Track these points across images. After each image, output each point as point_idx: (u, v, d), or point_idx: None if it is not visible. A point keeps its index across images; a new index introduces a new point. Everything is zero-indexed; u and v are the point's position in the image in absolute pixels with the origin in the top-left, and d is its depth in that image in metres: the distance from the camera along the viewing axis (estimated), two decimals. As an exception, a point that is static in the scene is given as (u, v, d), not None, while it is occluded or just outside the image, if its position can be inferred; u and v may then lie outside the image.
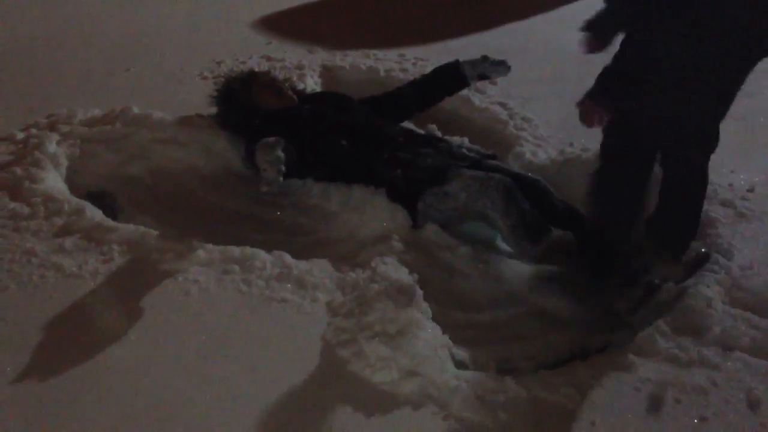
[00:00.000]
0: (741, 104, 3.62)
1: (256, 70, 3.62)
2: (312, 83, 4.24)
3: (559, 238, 2.96)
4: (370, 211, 3.07)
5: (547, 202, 3.06)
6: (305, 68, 4.39)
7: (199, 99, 3.97)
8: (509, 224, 2.93)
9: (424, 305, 2.53)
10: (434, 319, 2.52)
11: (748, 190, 3.30)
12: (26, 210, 2.96)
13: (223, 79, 3.61)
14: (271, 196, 3.25)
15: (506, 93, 4.22)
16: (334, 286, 2.65)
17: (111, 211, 3.21)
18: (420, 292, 2.57)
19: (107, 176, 3.45)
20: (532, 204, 2.97)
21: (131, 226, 2.91)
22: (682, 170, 2.85)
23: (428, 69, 4.36)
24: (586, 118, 2.67)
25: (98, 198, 3.30)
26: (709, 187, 3.25)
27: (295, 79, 4.14)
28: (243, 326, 2.46)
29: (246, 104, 3.46)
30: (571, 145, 3.63)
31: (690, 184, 2.88)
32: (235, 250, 2.77)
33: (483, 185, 2.95)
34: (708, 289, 2.66)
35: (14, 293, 2.54)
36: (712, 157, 2.78)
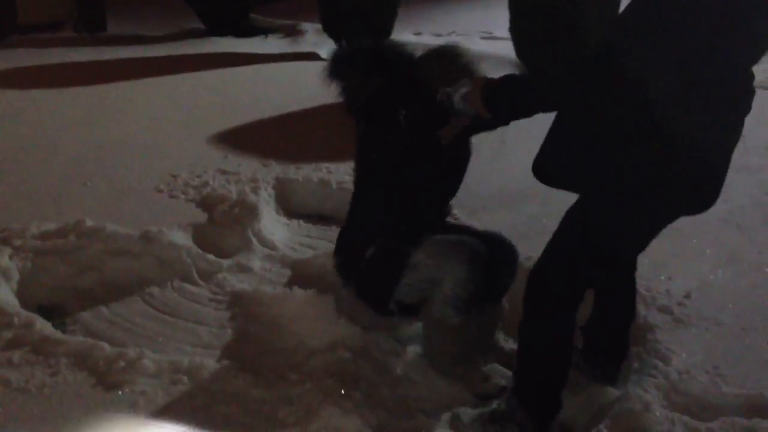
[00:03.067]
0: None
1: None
2: (266, 195, 4.34)
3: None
4: (321, 320, 3.13)
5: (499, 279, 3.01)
6: (259, 181, 4.50)
7: (154, 212, 4.06)
8: (455, 293, 2.82)
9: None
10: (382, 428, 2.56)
11: (684, 296, 3.42)
12: (-26, 324, 2.98)
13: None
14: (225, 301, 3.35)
15: (460, 203, 4.32)
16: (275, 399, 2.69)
17: (61, 324, 3.25)
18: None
19: (59, 289, 3.48)
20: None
21: (80, 339, 2.94)
22: (624, 276, 2.86)
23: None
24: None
25: (49, 310, 3.34)
26: (647, 294, 3.39)
27: (248, 191, 4.27)
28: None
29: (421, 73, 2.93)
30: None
31: (630, 289, 2.91)
32: (183, 361, 2.80)
33: (451, 250, 2.84)
34: (646, 393, 2.73)
35: (-41, 408, 2.53)
36: (650, 264, 2.86)
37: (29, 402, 2.59)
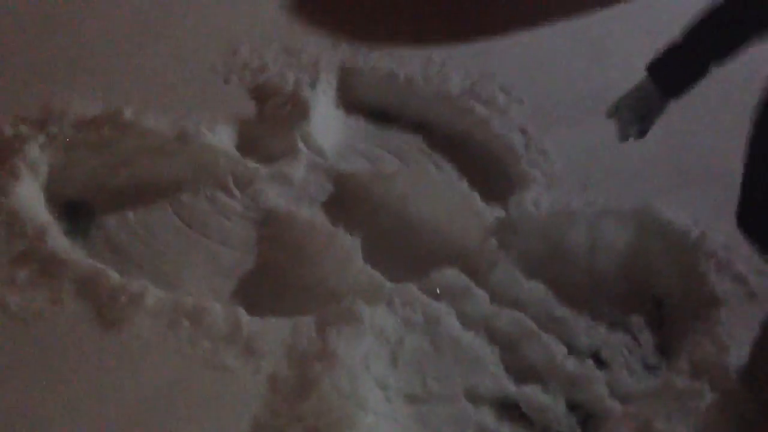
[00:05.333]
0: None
1: None
2: (325, 85, 3.97)
3: None
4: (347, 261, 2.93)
5: None
6: (322, 65, 4.11)
7: (203, 99, 3.78)
8: None
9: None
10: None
11: (768, 262, 2.96)
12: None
13: None
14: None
15: (538, 111, 3.85)
16: (282, 354, 2.51)
17: (86, 223, 3.18)
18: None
19: (89, 185, 3.33)
20: None
21: (88, 262, 2.79)
22: None
23: (453, 78, 4.09)
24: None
25: (76, 209, 3.25)
26: (724, 257, 2.94)
27: (306, 80, 3.90)
28: (175, 393, 2.37)
29: None
30: (586, 188, 3.32)
31: None
32: (188, 302, 2.64)
33: None
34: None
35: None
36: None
37: (22, 331, 2.51)
